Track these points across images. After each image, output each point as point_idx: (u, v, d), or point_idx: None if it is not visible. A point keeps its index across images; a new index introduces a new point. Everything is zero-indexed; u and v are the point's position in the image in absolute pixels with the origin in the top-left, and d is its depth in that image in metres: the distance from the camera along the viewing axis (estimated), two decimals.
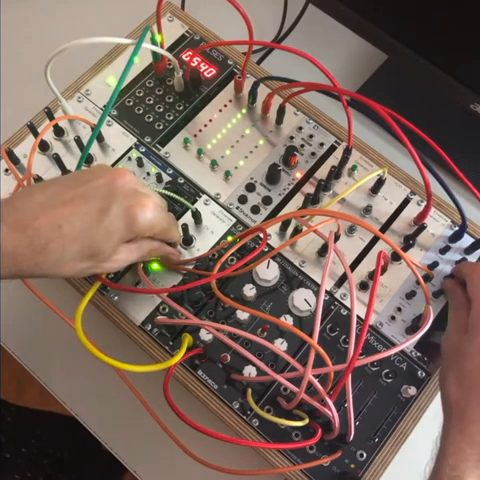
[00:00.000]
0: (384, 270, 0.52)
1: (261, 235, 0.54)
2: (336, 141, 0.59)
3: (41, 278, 0.41)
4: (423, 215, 0.54)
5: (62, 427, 0.84)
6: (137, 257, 0.45)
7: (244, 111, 0.60)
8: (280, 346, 0.49)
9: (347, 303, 0.53)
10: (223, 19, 0.62)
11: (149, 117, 0.59)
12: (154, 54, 0.58)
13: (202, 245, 0.54)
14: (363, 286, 0.53)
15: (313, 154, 0.58)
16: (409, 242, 0.53)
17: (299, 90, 0.54)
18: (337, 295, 0.53)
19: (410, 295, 0.53)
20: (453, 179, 0.63)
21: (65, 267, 0.40)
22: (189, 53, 0.62)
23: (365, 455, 0.48)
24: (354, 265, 0.54)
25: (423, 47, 0.61)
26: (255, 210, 0.56)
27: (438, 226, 0.56)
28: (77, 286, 0.53)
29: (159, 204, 0.45)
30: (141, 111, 0.60)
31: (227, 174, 0.57)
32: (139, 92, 0.60)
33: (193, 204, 0.55)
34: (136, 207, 0.41)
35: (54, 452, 0.80)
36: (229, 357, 0.50)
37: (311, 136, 0.59)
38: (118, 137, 0.59)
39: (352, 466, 0.48)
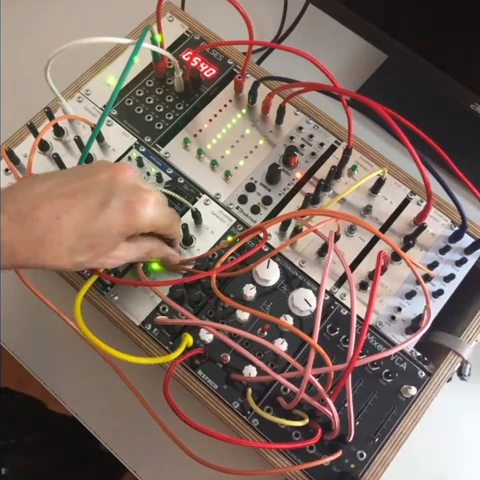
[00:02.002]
0: (384, 270, 0.52)
1: (261, 235, 0.54)
2: (336, 141, 0.59)
3: (39, 270, 0.41)
4: (423, 215, 0.54)
5: (62, 427, 0.84)
6: (135, 257, 0.45)
7: (244, 111, 0.60)
8: (280, 346, 0.49)
9: (347, 303, 0.53)
10: (223, 19, 0.63)
11: (149, 117, 0.59)
12: (154, 54, 0.58)
13: (202, 245, 0.54)
14: (363, 286, 0.53)
15: (313, 154, 0.58)
16: (409, 242, 0.53)
17: (299, 90, 0.54)
18: (337, 295, 0.53)
19: (410, 295, 0.53)
20: (453, 179, 0.63)
21: (62, 259, 0.40)
22: (189, 53, 0.62)
23: (365, 455, 0.48)
24: (354, 265, 0.54)
25: (423, 47, 0.61)
26: (255, 210, 0.56)
27: (438, 226, 0.56)
28: (78, 287, 0.53)
29: (160, 199, 0.45)
30: (141, 111, 0.60)
31: (227, 174, 0.57)
32: (139, 92, 0.60)
33: (193, 204, 0.55)
34: (137, 202, 0.41)
35: (55, 450, 0.80)
36: (229, 357, 0.50)
37: (311, 136, 0.59)
38: (118, 137, 0.59)
39: (352, 466, 0.48)
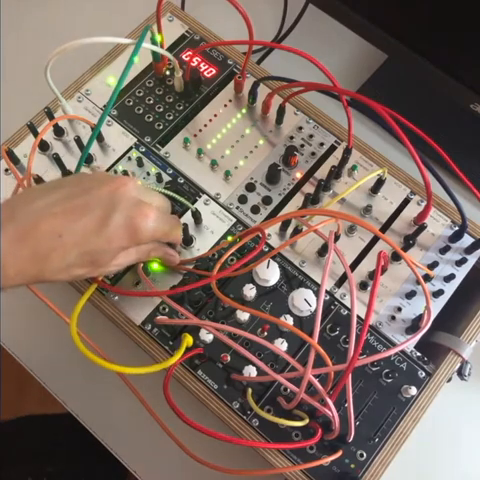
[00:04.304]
0: (384, 270, 0.52)
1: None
2: (336, 141, 0.59)
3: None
4: (423, 215, 0.54)
5: (62, 427, 0.84)
6: (135, 259, 0.46)
7: (244, 111, 0.60)
8: (280, 346, 0.49)
9: (347, 303, 0.53)
10: (223, 19, 0.63)
11: (149, 117, 0.59)
12: (154, 54, 0.58)
13: (202, 245, 0.54)
14: (363, 286, 0.53)
15: (313, 154, 0.58)
16: (409, 242, 0.53)
17: (299, 90, 0.54)
18: (337, 295, 0.53)
19: (410, 295, 0.53)
20: (453, 179, 0.63)
21: (64, 273, 0.40)
22: (189, 53, 0.62)
23: (365, 455, 0.48)
24: (354, 265, 0.54)
25: (423, 47, 0.61)
26: (255, 210, 0.56)
27: (438, 226, 0.56)
28: (78, 287, 0.53)
29: (163, 207, 0.45)
30: (141, 111, 0.60)
31: (227, 174, 0.57)
32: (139, 92, 0.60)
33: (193, 204, 0.55)
34: (138, 217, 0.41)
35: (56, 452, 0.80)
36: (229, 357, 0.50)
37: (311, 136, 0.59)
38: (118, 137, 0.59)
39: (352, 466, 0.48)
